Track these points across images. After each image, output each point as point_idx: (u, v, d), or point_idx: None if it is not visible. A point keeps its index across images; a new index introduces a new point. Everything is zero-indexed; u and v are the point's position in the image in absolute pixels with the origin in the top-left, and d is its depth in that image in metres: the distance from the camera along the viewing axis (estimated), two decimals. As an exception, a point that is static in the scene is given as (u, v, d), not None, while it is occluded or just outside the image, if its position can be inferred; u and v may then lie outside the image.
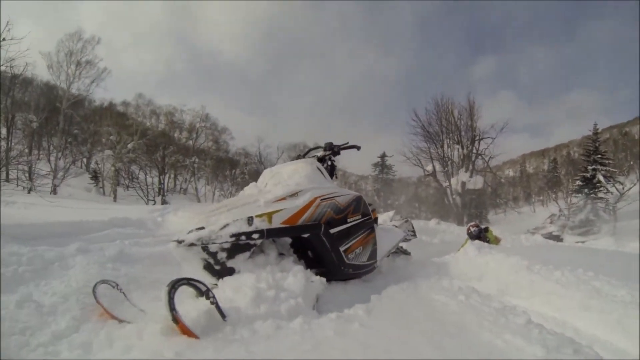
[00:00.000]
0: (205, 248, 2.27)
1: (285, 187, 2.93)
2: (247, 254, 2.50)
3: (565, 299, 3.00)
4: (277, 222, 2.50)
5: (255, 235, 2.37)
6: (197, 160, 40.72)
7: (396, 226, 4.73)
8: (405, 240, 5.07)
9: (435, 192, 25.09)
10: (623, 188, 30.31)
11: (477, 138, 23.16)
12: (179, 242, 2.22)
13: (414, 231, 5.24)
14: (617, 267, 4.20)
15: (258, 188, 3.13)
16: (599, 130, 32.67)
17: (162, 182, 36.17)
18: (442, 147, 23.75)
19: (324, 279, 2.58)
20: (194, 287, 1.83)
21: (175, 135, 43.30)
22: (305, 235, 2.75)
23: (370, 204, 3.94)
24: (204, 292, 1.84)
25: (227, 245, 2.34)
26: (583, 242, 10.35)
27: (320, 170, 3.19)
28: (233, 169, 44.14)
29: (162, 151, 36.69)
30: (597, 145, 31.06)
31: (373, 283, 3.41)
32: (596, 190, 29.56)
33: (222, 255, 2.35)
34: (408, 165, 25.54)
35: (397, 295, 2.66)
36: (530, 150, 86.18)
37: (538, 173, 65.82)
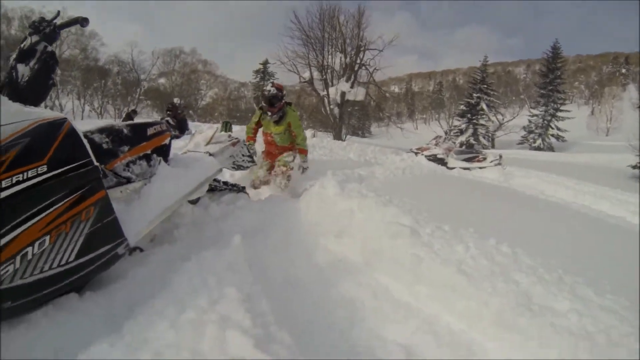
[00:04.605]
0: None
1: None
2: None
3: (474, 303, 1.70)
4: None
5: None
6: (59, 72, 34.19)
7: (211, 154, 2.93)
8: (238, 168, 3.56)
9: (316, 102, 23.67)
10: (503, 119, 33.16)
11: (362, 48, 21.17)
12: None
13: (250, 155, 3.66)
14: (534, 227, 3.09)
15: None
16: (488, 62, 34.36)
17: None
18: (322, 54, 21.50)
19: None
20: None
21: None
22: None
23: (152, 124, 2.39)
24: None
25: None
26: (468, 168, 9.88)
27: None
28: (104, 80, 38.25)
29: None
30: (484, 75, 32.82)
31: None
32: (478, 116, 31.69)
33: None
34: (285, 72, 22.81)
35: None
36: (417, 71, 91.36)
37: (423, 93, 69.64)
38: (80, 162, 1.52)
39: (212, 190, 3.17)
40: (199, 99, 47.81)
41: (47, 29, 1.78)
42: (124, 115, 12.80)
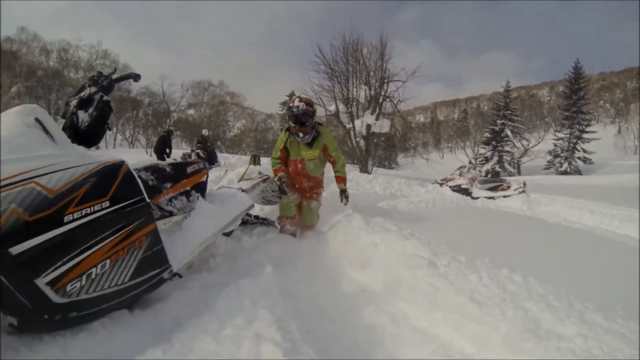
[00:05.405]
0: None
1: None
2: None
3: (484, 328, 1.81)
4: None
5: None
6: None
7: (243, 190, 3.19)
8: (267, 203, 3.75)
9: (342, 135, 23.94)
10: (528, 144, 32.66)
11: (386, 80, 21.17)
12: None
13: (279, 190, 3.84)
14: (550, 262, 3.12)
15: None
16: (511, 88, 34.29)
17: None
18: (347, 87, 21.63)
19: None
20: None
21: (71, 75, 39.19)
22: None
23: (188, 159, 2.75)
24: None
25: None
26: (492, 198, 9.76)
27: (41, 125, 1.64)
28: (136, 110, 40.71)
29: (55, 94, 32.89)
30: (507, 101, 32.75)
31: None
32: (503, 143, 31.38)
33: None
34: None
35: None
36: (442, 99, 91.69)
37: (448, 121, 69.38)
38: (136, 199, 1.78)
39: (244, 223, 3.43)
40: (227, 130, 49.37)
41: (104, 82, 2.10)
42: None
